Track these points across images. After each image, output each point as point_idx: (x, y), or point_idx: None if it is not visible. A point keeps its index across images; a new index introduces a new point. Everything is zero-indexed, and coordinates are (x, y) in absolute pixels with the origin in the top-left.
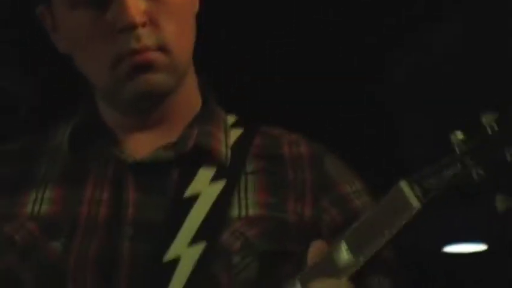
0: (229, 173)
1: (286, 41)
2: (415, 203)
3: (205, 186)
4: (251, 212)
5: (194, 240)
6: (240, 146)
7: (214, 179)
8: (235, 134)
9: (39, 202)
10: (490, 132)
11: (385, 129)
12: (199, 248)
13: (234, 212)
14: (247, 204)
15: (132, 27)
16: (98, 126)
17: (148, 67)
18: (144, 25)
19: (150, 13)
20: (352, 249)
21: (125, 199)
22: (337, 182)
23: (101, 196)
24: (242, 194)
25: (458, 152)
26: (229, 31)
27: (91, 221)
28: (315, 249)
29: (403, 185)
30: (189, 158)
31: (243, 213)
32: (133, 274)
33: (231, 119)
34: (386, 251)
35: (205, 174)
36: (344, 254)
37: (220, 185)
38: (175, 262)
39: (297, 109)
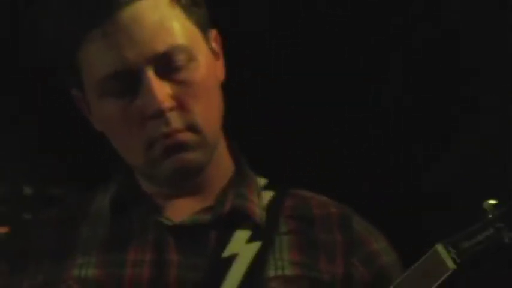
0: (265, 234)
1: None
2: (451, 264)
3: (242, 247)
4: (287, 271)
5: None
6: (273, 208)
7: (251, 240)
8: (267, 196)
9: (85, 266)
10: None
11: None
12: None
13: (271, 271)
14: (283, 264)
15: (161, 112)
16: (136, 193)
17: (180, 148)
18: (172, 109)
19: (177, 97)
20: None
21: (167, 260)
22: (365, 240)
23: (143, 258)
24: (277, 255)
25: (490, 217)
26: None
27: (135, 283)
28: None
29: (440, 248)
30: (225, 221)
31: (279, 272)
32: None
33: (261, 181)
34: None
35: (241, 235)
36: None
37: (256, 246)
38: None
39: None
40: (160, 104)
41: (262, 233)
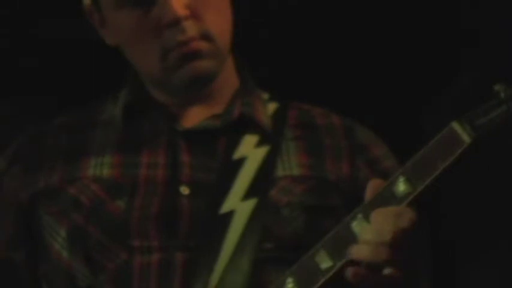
0: (272, 139)
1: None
2: (466, 138)
3: (251, 151)
4: (295, 171)
5: (246, 196)
6: (278, 117)
7: (259, 144)
8: (272, 107)
9: (100, 166)
10: None
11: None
12: (252, 202)
13: (279, 172)
14: (291, 165)
15: (177, 21)
16: (148, 101)
17: (195, 55)
18: (187, 18)
19: (192, 6)
20: (409, 180)
21: (180, 162)
22: (369, 146)
23: (156, 160)
24: (285, 157)
25: (503, 96)
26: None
27: (150, 182)
28: (373, 184)
29: (455, 125)
30: (234, 127)
31: (288, 173)
32: (192, 226)
33: (264, 95)
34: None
35: (249, 140)
36: (401, 185)
37: (264, 150)
38: (230, 214)
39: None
40: (176, 12)
41: (270, 138)
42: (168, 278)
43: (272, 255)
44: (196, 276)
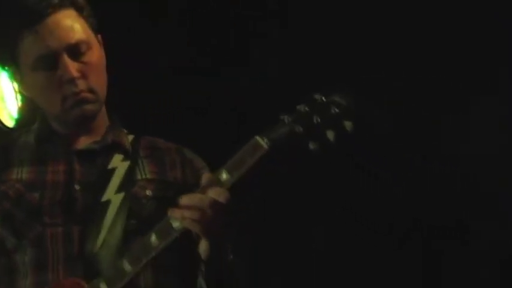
0: (132, 157)
1: None
2: (264, 146)
3: (119, 163)
4: (148, 176)
5: (117, 191)
6: (135, 143)
7: (124, 159)
8: (130, 137)
9: (21, 173)
10: (303, 109)
11: None
12: (121, 195)
13: (138, 176)
14: (145, 172)
15: (73, 79)
16: (52, 132)
17: (83, 102)
18: (79, 78)
19: (82, 70)
20: (229, 171)
21: (74, 169)
22: (192, 161)
23: (58, 168)
24: (141, 167)
25: (287, 119)
26: None
27: (55, 182)
28: (206, 176)
29: (257, 138)
30: (108, 148)
31: (143, 177)
32: (83, 210)
33: (125, 130)
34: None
35: (118, 157)
36: (224, 175)
37: (127, 163)
38: (108, 202)
39: None
40: (72, 74)
41: (130, 156)
42: (69, 242)
43: (135, 227)
44: (87, 241)
